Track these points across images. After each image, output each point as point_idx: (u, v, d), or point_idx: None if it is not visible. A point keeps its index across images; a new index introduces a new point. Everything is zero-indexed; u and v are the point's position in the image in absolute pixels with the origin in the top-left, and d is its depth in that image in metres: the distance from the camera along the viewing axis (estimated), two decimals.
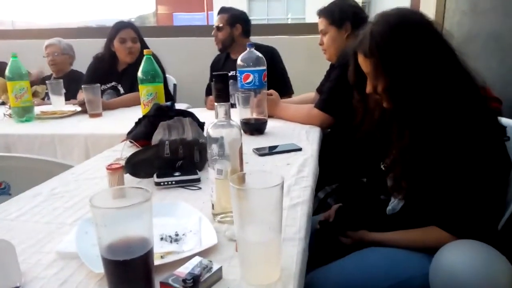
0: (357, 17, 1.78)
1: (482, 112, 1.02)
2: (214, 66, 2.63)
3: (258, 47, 2.37)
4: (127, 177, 1.08)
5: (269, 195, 0.61)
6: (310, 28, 3.26)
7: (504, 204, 1.06)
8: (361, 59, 1.10)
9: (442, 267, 0.93)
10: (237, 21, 2.44)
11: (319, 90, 1.99)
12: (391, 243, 1.08)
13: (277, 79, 2.42)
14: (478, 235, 0.96)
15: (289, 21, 17.70)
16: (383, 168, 1.18)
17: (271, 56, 2.43)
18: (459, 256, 0.92)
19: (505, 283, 0.87)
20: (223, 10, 2.50)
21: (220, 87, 0.81)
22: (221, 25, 2.43)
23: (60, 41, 2.90)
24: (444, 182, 1.00)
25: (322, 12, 1.83)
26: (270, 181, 0.62)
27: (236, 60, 2.15)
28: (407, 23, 1.04)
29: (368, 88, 1.11)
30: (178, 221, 0.85)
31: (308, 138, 1.51)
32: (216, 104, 0.82)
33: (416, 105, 1.02)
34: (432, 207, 1.03)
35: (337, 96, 1.65)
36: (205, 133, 1.21)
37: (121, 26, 2.48)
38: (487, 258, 0.91)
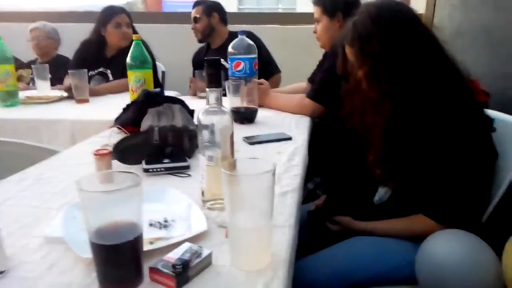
0: (349, 6, 1.76)
1: (468, 103, 1.03)
2: (196, 59, 2.65)
3: (234, 34, 2.38)
4: (115, 163, 1.06)
5: (261, 181, 0.60)
6: (301, 18, 3.25)
7: (489, 194, 1.08)
8: (347, 50, 1.11)
9: (428, 256, 0.94)
10: (212, 10, 2.50)
11: (311, 80, 1.99)
12: (378, 232, 1.09)
13: (263, 61, 2.43)
14: (464, 224, 0.98)
15: (280, 11, 17.59)
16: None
17: (254, 40, 2.42)
18: (445, 245, 0.94)
19: (491, 271, 0.89)
20: (197, 3, 2.55)
21: (211, 72, 0.79)
22: (198, 15, 2.48)
23: (45, 25, 2.83)
24: (430, 171, 1.01)
25: (316, 1, 1.82)
26: (262, 167, 0.62)
27: (217, 49, 2.15)
28: (389, 13, 1.05)
29: (352, 79, 1.12)
30: (167, 207, 0.84)
31: (298, 127, 1.51)
32: (207, 89, 0.81)
33: (399, 95, 1.02)
34: (419, 196, 1.04)
35: (329, 86, 1.64)
36: (195, 120, 1.20)
37: (115, 11, 2.44)
38: (472, 247, 0.93)
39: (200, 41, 2.56)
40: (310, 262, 1.07)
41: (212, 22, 2.50)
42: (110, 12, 2.43)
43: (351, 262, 1.05)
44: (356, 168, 1.34)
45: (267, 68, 2.37)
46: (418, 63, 1.01)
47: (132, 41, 1.66)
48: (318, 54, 2.01)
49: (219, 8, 2.55)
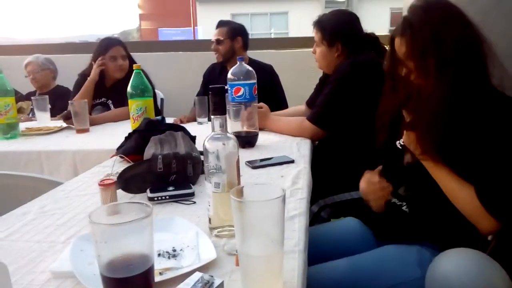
0: (350, 36, 1.76)
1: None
2: (209, 76, 2.62)
3: (257, 63, 2.41)
4: (119, 192, 1.06)
5: (271, 207, 0.60)
6: (294, 42, 3.31)
7: None
8: (397, 42, 1.13)
9: (438, 275, 0.93)
10: (237, 34, 2.46)
11: (309, 103, 2.00)
12: (438, 173, 1.08)
13: (279, 96, 2.47)
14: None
15: (273, 36, 17.91)
16: (400, 146, 1.20)
17: (272, 74, 2.49)
18: (455, 264, 0.93)
19: None
20: (222, 24, 2.49)
21: (216, 100, 0.80)
22: (221, 38, 2.43)
23: (38, 57, 2.88)
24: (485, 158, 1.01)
25: (316, 24, 1.81)
26: (270, 193, 0.62)
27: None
28: (439, 5, 1.10)
29: (403, 70, 1.13)
30: (175, 236, 0.83)
31: (300, 150, 1.51)
32: (212, 117, 0.82)
33: (448, 83, 1.04)
34: (469, 172, 1.03)
35: (330, 110, 1.66)
36: (198, 147, 1.20)
37: (111, 43, 2.47)
38: (482, 266, 0.92)
39: (221, 63, 2.49)
40: (313, 272, 1.06)
41: (235, 46, 2.44)
42: (105, 45, 2.47)
43: (354, 276, 1.06)
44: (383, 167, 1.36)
45: (280, 105, 2.36)
46: (466, 53, 1.04)
47: (128, 72, 1.68)
48: (313, 77, 2.03)
49: (244, 32, 2.49)
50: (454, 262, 0.93)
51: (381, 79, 1.63)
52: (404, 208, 1.19)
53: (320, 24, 1.80)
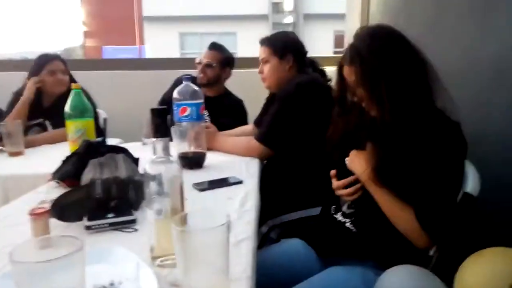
0: (299, 51, 1.84)
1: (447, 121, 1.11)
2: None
3: (232, 98, 2.46)
4: (53, 221, 0.98)
5: (215, 236, 0.58)
6: (243, 62, 3.34)
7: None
8: (346, 70, 1.15)
9: None
10: (228, 64, 2.42)
11: (257, 122, 2.01)
12: (379, 197, 1.12)
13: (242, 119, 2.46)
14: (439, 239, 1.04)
15: None
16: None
17: (243, 112, 2.49)
18: (399, 281, 0.95)
19: None
20: (215, 47, 2.42)
21: (158, 122, 0.77)
22: (214, 64, 2.35)
23: None
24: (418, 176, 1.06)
25: (265, 41, 1.84)
26: (214, 220, 0.59)
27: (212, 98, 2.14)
28: (385, 31, 1.14)
29: (353, 96, 1.16)
30: (113, 268, 0.77)
31: (249, 171, 1.50)
32: (153, 139, 0.78)
33: (395, 108, 1.08)
34: (409, 194, 1.08)
35: (277, 129, 1.67)
36: (140, 170, 1.15)
37: (49, 58, 2.34)
38: (424, 282, 0.95)
39: (203, 85, 2.34)
40: None
41: (222, 75, 2.40)
42: (43, 60, 2.33)
43: None
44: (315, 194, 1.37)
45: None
46: (412, 77, 1.08)
47: (68, 91, 1.59)
48: (261, 97, 2.05)
49: (232, 64, 2.46)
50: (397, 279, 0.95)
51: (325, 100, 1.69)
52: (347, 225, 1.21)
53: (269, 40, 1.85)
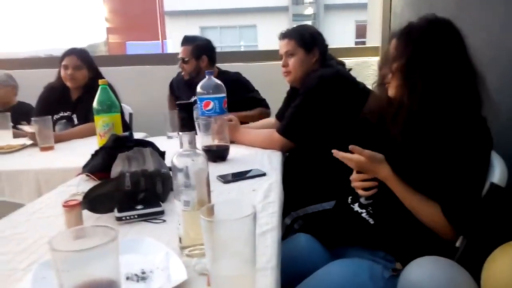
0: (324, 44, 1.82)
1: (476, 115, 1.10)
2: (174, 85, 2.61)
3: (225, 75, 2.39)
4: (85, 212, 1.02)
5: (242, 226, 0.59)
6: (263, 55, 3.34)
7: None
8: (393, 42, 1.16)
9: (410, 283, 0.95)
10: (202, 52, 2.40)
11: (279, 115, 2.01)
12: (401, 193, 1.12)
13: (252, 96, 2.45)
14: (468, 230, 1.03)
15: (242, 49, 18.06)
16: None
17: (239, 81, 2.46)
18: (426, 272, 0.95)
19: None
20: (186, 41, 2.43)
21: (184, 116, 0.79)
22: (186, 58, 2.37)
23: None
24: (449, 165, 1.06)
25: (289, 34, 1.80)
26: (240, 210, 0.61)
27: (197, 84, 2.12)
28: (445, 21, 1.14)
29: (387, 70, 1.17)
30: (144, 258, 0.80)
31: (271, 163, 1.51)
32: (180, 133, 0.80)
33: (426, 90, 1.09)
34: (433, 188, 1.08)
35: (299, 122, 1.67)
36: (167, 163, 1.18)
37: (66, 53, 2.42)
38: (451, 273, 0.94)
39: (188, 81, 2.40)
40: None
41: (200, 66, 2.39)
42: (62, 55, 2.42)
43: None
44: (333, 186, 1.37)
45: (258, 104, 2.39)
46: (454, 77, 1.09)
47: (91, 85, 1.62)
48: (281, 90, 2.04)
49: (209, 49, 2.44)
50: (424, 269, 0.94)
51: (349, 92, 1.68)
52: (364, 215, 1.20)
53: (293, 31, 1.81)
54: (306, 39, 1.78)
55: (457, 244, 1.09)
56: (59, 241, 0.54)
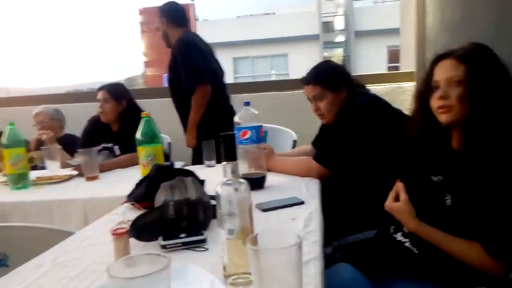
0: (347, 76, 1.81)
1: None
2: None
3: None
4: (131, 240, 1.05)
5: (288, 255, 0.60)
6: (295, 84, 3.39)
7: None
8: (450, 63, 1.13)
9: None
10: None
11: (315, 143, 2.02)
12: (435, 241, 1.10)
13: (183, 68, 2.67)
14: None
15: (273, 78, 18.32)
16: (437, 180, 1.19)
17: (178, 48, 2.70)
18: None
19: None
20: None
21: (228, 147, 0.82)
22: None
23: (48, 107, 2.96)
24: (492, 201, 1.02)
25: (313, 79, 1.78)
26: (283, 239, 0.62)
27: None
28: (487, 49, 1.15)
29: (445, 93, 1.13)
30: (189, 286, 0.82)
31: (309, 191, 1.51)
32: (224, 163, 0.83)
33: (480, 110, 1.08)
34: (477, 223, 1.05)
35: (336, 149, 1.67)
36: (210, 192, 1.21)
37: (97, 89, 2.61)
38: None
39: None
40: None
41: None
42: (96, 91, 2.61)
43: None
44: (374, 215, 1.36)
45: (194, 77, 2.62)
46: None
47: (128, 116, 1.69)
48: (314, 117, 2.04)
49: (170, 11, 2.75)
50: None
51: (385, 117, 1.67)
52: (407, 244, 1.17)
53: (314, 75, 1.79)
54: (331, 80, 1.76)
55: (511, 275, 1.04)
56: (115, 269, 0.57)
